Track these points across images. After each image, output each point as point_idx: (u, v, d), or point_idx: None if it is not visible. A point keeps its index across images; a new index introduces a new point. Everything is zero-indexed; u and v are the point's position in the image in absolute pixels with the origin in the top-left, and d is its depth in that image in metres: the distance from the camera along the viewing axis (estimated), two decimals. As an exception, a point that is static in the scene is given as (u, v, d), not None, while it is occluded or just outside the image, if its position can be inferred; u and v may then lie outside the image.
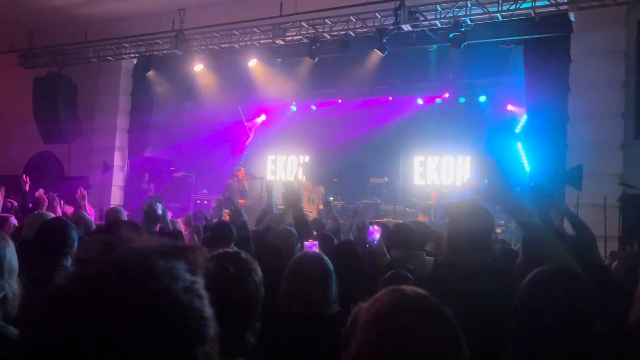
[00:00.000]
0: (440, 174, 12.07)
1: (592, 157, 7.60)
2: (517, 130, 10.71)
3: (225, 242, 4.40)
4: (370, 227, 3.47)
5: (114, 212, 5.07)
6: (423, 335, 1.07)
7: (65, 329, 0.66)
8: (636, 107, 7.24)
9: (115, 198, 12.00)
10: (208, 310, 0.74)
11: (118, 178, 12.18)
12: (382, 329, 1.10)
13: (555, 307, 1.57)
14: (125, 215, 5.01)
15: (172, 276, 0.72)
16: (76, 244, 3.03)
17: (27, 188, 5.71)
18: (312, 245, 3.07)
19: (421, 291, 1.17)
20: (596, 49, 7.79)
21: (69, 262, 2.94)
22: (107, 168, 11.97)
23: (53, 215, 3.78)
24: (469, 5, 8.27)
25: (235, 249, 4.31)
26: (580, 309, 1.58)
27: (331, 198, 11.12)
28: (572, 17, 8.05)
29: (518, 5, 7.97)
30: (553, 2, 7.77)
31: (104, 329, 0.65)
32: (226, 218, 8.41)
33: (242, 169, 11.83)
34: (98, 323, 0.66)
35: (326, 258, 2.56)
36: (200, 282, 0.76)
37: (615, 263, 4.28)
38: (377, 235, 3.46)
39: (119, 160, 12.17)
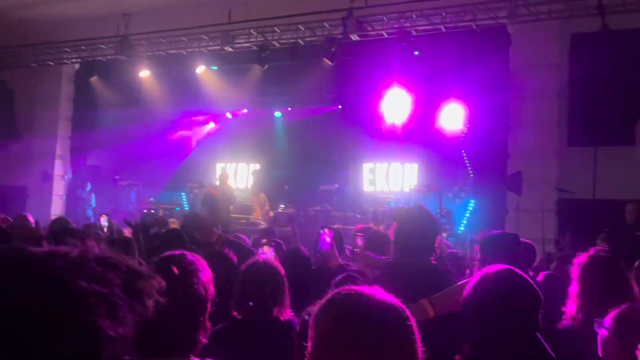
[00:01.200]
0: (389, 180, 12.30)
1: (531, 164, 7.97)
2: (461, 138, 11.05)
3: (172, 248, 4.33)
4: (321, 232, 3.51)
5: (61, 222, 4.89)
6: (373, 330, 1.08)
7: None
8: (569, 116, 7.67)
9: (56, 208, 11.54)
10: (109, 325, 0.72)
11: (59, 187, 11.72)
12: (333, 325, 1.11)
13: (499, 300, 1.66)
14: (72, 225, 4.84)
15: (89, 277, 0.73)
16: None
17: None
18: (266, 253, 3.09)
19: (369, 288, 1.18)
20: (532, 61, 8.20)
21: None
22: (47, 177, 11.50)
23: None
24: (414, 16, 8.53)
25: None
26: (524, 302, 1.67)
27: (282, 205, 11.14)
28: (509, 29, 8.45)
29: (461, 18, 8.30)
30: (492, 15, 8.14)
31: None
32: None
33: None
34: None
35: (279, 265, 2.59)
36: (121, 297, 0.75)
37: (553, 264, 4.52)
38: (328, 239, 3.51)
39: (59, 168, 11.73)
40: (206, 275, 1.86)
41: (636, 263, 3.19)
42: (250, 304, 2.42)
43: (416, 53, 8.56)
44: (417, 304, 1.90)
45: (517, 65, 8.42)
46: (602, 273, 2.41)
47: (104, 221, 5.31)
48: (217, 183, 10.87)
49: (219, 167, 13.58)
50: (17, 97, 11.67)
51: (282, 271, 2.61)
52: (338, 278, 2.98)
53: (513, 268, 1.77)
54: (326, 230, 3.48)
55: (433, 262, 2.50)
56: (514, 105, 8.44)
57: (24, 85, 11.55)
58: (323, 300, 1.21)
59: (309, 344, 1.15)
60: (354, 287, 1.24)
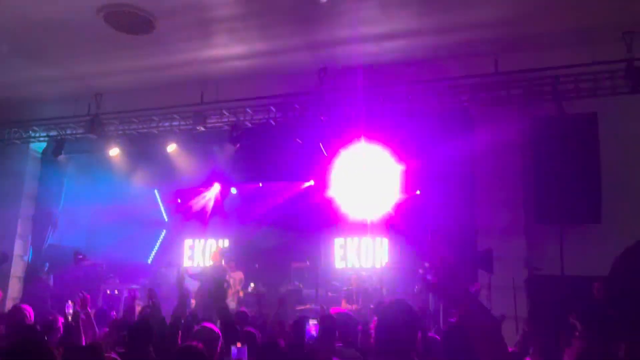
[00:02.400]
0: (360, 256, 12.26)
1: (499, 241, 8.09)
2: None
3: (144, 343, 4.14)
4: (309, 323, 3.40)
5: (17, 312, 4.63)
6: None
7: None
8: (535, 194, 7.90)
9: (14, 290, 10.97)
10: None
11: (18, 268, 11.21)
12: None
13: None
14: (30, 317, 4.59)
15: None
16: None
17: None
18: (240, 352, 2.96)
19: None
20: (496, 141, 8.51)
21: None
22: (5, 258, 11.00)
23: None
24: (382, 99, 8.86)
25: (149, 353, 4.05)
26: None
27: (252, 284, 10.90)
28: (472, 110, 8.84)
29: (426, 100, 8.66)
30: (457, 99, 8.53)
31: None
32: (137, 309, 7.93)
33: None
34: None
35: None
36: None
37: (531, 349, 4.47)
38: (314, 332, 3.40)
39: (19, 248, 11.27)
40: None
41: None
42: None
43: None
44: None
45: (481, 145, 8.73)
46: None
47: (69, 309, 5.07)
48: (211, 263, 10.57)
49: (187, 244, 13.35)
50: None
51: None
52: None
53: None
54: (312, 323, 3.37)
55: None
56: (479, 182, 8.67)
57: (-13, 163, 11.30)
58: None
59: None
60: None
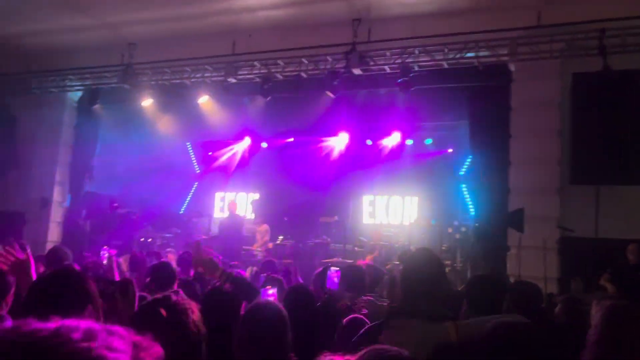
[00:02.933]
0: (388, 213, 12.26)
1: (532, 201, 7.93)
2: (462, 172, 11.07)
3: (166, 285, 4.25)
4: (330, 270, 3.43)
5: (57, 252, 4.81)
6: None
7: None
8: (571, 154, 7.66)
9: (53, 234, 11.43)
10: None
11: (57, 214, 11.63)
12: None
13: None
14: (70, 257, 4.76)
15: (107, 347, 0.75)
16: (12, 289, 2.84)
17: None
18: (270, 294, 3.01)
19: (404, 353, 1.17)
20: (534, 99, 8.24)
21: (4, 311, 2.75)
22: (45, 203, 11.43)
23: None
24: (417, 52, 8.62)
25: (177, 292, 4.16)
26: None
27: (281, 237, 11.05)
28: (512, 67, 8.53)
29: (463, 54, 8.39)
30: (494, 53, 8.23)
31: None
32: (170, 258, 8.15)
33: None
34: None
35: (281, 306, 2.52)
36: None
37: (557, 307, 4.42)
38: (336, 279, 3.43)
39: (58, 195, 11.66)
40: (195, 314, 1.87)
41: None
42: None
43: (413, 88, 8.62)
44: (441, 326, 1.84)
45: (518, 103, 8.47)
46: (623, 323, 2.33)
47: (104, 253, 5.23)
48: (227, 213, 10.86)
49: (217, 196, 13.56)
50: (19, 123, 11.68)
51: (286, 314, 2.54)
52: (345, 321, 2.91)
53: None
54: (333, 270, 3.40)
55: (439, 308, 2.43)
56: (515, 142, 8.44)
57: (26, 111, 11.58)
58: (355, 357, 1.21)
59: None
60: (382, 346, 1.22)
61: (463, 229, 9.97)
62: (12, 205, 11.59)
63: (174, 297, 1.93)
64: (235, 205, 11.10)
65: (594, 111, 7.27)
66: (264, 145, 12.75)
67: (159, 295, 2.03)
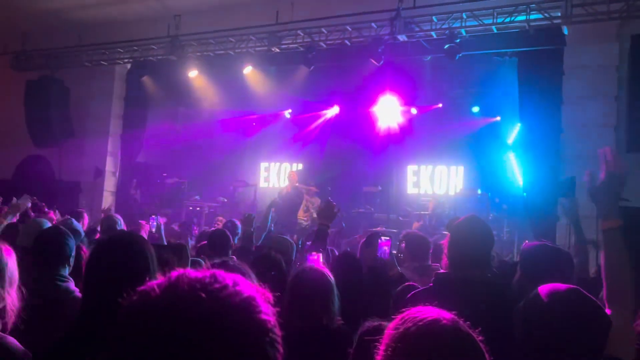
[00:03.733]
0: (433, 183, 12.12)
1: (586, 169, 7.65)
2: (510, 141, 10.78)
3: (222, 251, 4.39)
4: (380, 239, 3.44)
5: (110, 220, 5.04)
6: (452, 358, 1.06)
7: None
8: (628, 120, 7.32)
9: (107, 203, 11.87)
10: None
11: (110, 183, 12.09)
12: (411, 351, 1.09)
13: (560, 333, 1.57)
14: (121, 223, 4.97)
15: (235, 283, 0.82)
16: (73, 253, 3.00)
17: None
18: (314, 259, 3.06)
19: (449, 315, 1.15)
20: (589, 63, 7.87)
21: (66, 272, 2.92)
22: (99, 173, 11.89)
23: (49, 224, 3.74)
24: (464, 17, 8.34)
25: (231, 258, 4.29)
26: (587, 336, 1.58)
27: (324, 206, 11.10)
28: (565, 30, 8.14)
29: (512, 18, 8.07)
30: (547, 15, 7.87)
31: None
32: (219, 226, 8.38)
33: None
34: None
35: (328, 272, 2.57)
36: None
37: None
38: (387, 248, 3.42)
39: (110, 165, 12.10)
40: (253, 278, 1.93)
41: None
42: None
43: (459, 55, 8.37)
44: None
45: (572, 67, 8.11)
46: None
47: (153, 222, 5.42)
48: (287, 183, 10.96)
49: (262, 166, 13.73)
50: (72, 96, 12.10)
51: (332, 278, 2.58)
52: (399, 289, 2.93)
53: (580, 290, 1.68)
54: (384, 239, 3.39)
55: (490, 275, 2.42)
56: (568, 108, 8.12)
57: (78, 84, 11.97)
58: (398, 318, 1.20)
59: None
60: (429, 308, 1.21)
61: (510, 199, 9.78)
62: (68, 175, 12.13)
63: (230, 263, 1.98)
64: (296, 176, 11.06)
65: (654, 75, 6.89)
66: (287, 115, 12.68)
67: (217, 260, 2.08)
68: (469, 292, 2.24)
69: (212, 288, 0.78)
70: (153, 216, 5.43)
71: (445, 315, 1.17)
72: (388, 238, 3.46)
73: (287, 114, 12.96)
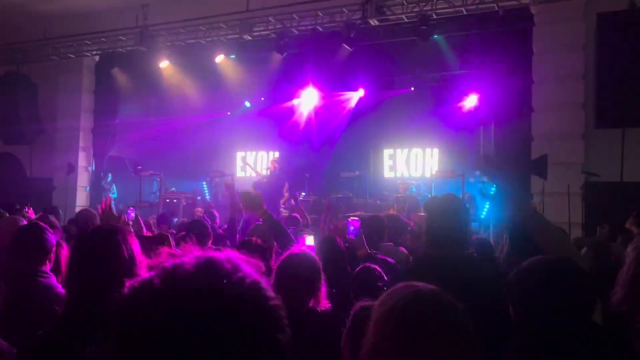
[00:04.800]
0: (409, 166, 12.24)
1: (556, 147, 7.84)
2: (482, 122, 10.92)
3: (201, 240, 4.38)
4: (347, 221, 3.50)
5: (86, 214, 4.97)
6: (439, 330, 1.09)
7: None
8: (595, 98, 7.50)
9: (81, 199, 11.72)
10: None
11: (83, 179, 11.89)
12: (398, 325, 1.12)
13: (552, 296, 1.64)
14: (97, 219, 4.90)
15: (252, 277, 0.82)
16: (54, 248, 2.97)
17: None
18: (304, 241, 3.10)
19: (432, 287, 1.19)
20: (556, 42, 8.02)
21: (47, 268, 2.89)
22: (71, 169, 11.67)
23: (25, 221, 3.68)
24: (434, 0, 8.39)
25: (217, 248, 4.29)
26: (578, 298, 1.65)
27: (303, 193, 11.14)
28: (533, 10, 8.27)
29: (482, 0, 8.15)
30: (516, -4, 7.97)
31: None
32: (199, 215, 8.35)
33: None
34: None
35: (315, 256, 2.59)
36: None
37: (583, 249, 4.45)
38: (352, 228, 3.50)
39: (83, 160, 11.89)
40: None
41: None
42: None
43: (435, 37, 8.45)
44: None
45: (541, 47, 8.25)
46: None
47: (130, 214, 5.35)
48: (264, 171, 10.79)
49: (239, 155, 13.66)
50: (40, 91, 11.80)
51: (319, 264, 2.61)
52: (357, 269, 3.00)
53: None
54: (352, 219, 3.47)
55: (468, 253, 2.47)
56: (538, 88, 8.28)
57: (46, 79, 11.68)
58: (384, 294, 1.24)
59: (370, 337, 1.17)
60: (414, 283, 1.25)
61: (485, 179, 9.93)
62: (40, 172, 11.88)
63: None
64: (276, 164, 10.89)
65: (619, 52, 7.06)
66: (247, 104, 12.62)
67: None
68: (449, 270, 2.29)
69: (218, 273, 0.77)
70: (131, 208, 5.37)
71: (428, 287, 1.21)
72: (356, 218, 3.51)
73: (262, 101, 12.88)
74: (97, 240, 2.18)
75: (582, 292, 1.66)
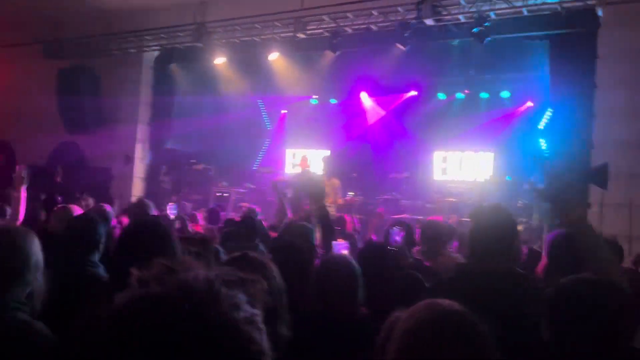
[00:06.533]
0: (461, 169, 11.98)
1: (618, 156, 7.45)
2: (541, 126, 10.55)
3: (247, 238, 4.43)
4: (393, 229, 3.45)
5: (140, 205, 5.14)
6: (459, 349, 1.08)
7: (126, 348, 0.67)
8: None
9: (137, 190, 12.14)
10: (266, 345, 0.73)
11: (139, 170, 12.31)
12: (419, 342, 1.11)
13: (584, 320, 1.56)
14: (152, 209, 5.06)
15: (234, 305, 0.72)
16: (104, 239, 3.08)
17: (58, 179, 5.78)
18: (341, 246, 3.08)
19: (457, 305, 1.18)
20: (624, 46, 7.61)
21: (96, 258, 3.00)
22: (129, 160, 12.11)
23: (79, 210, 3.84)
24: (493, 0, 8.15)
25: (257, 245, 4.33)
26: (613, 322, 1.56)
27: (351, 193, 11.10)
28: (599, 12, 7.88)
29: (545, 0, 7.84)
30: (581, -3, 7.62)
31: (164, 351, 0.66)
32: (243, 212, 8.46)
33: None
34: (159, 345, 0.66)
35: (354, 261, 2.57)
36: (259, 315, 0.75)
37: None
38: (397, 238, 3.42)
39: (140, 152, 12.30)
40: (273, 269, 1.93)
41: None
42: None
43: (488, 39, 8.18)
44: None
45: (606, 51, 7.85)
46: None
47: (171, 209, 5.48)
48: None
49: (289, 152, 13.77)
50: (103, 84, 12.31)
51: (358, 269, 2.58)
52: (401, 276, 2.94)
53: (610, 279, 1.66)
54: (396, 229, 3.39)
55: (510, 267, 2.38)
56: (601, 93, 7.89)
57: (108, 72, 12.16)
58: (411, 308, 1.24)
59: (393, 349, 1.17)
60: (440, 300, 1.23)
61: (540, 185, 9.57)
62: (99, 162, 12.39)
63: (250, 255, 1.98)
64: (306, 161, 10.92)
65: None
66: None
67: (237, 253, 2.09)
68: (489, 283, 2.22)
69: (183, 308, 0.69)
70: (171, 204, 5.49)
71: (453, 306, 1.18)
72: (400, 228, 3.43)
73: (314, 99, 12.93)
74: (138, 232, 2.23)
75: (619, 317, 1.55)
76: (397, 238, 3.41)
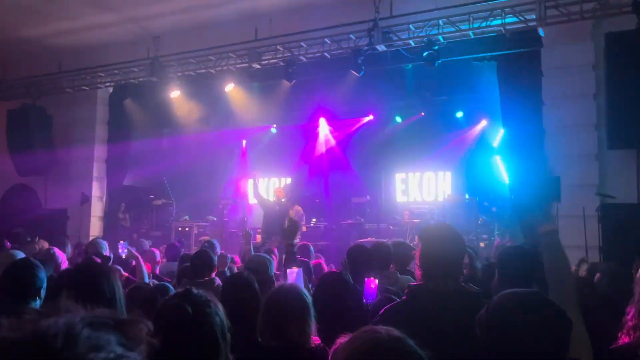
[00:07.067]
0: (422, 190, 12.12)
1: (569, 169, 7.67)
2: (495, 144, 10.82)
3: (203, 272, 4.32)
4: (366, 280, 3.16)
5: (94, 245, 4.97)
6: None
7: None
8: (608, 118, 7.35)
9: (95, 229, 11.80)
10: None
11: (97, 209, 11.99)
12: None
13: (520, 336, 1.54)
14: (106, 248, 4.90)
15: (93, 346, 0.72)
16: (44, 285, 2.94)
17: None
18: (295, 273, 3.01)
19: (395, 332, 1.16)
20: (566, 63, 7.92)
21: (37, 304, 2.86)
22: (85, 199, 11.79)
23: (22, 255, 3.68)
24: (441, 23, 8.39)
25: (210, 281, 4.22)
26: (549, 339, 1.54)
27: (314, 219, 11.08)
28: (541, 32, 8.21)
29: (489, 22, 8.12)
30: (522, 18, 7.93)
31: None
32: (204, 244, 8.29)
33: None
34: None
35: (304, 291, 2.52)
36: (131, 357, 0.74)
37: (597, 275, 4.29)
38: (372, 285, 3.18)
39: (97, 190, 12.00)
40: (218, 307, 1.87)
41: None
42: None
43: (438, 62, 8.39)
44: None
45: (550, 68, 8.16)
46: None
47: (122, 247, 5.30)
48: (272, 199, 10.62)
49: (250, 182, 13.67)
50: (55, 123, 12.02)
51: (309, 299, 2.54)
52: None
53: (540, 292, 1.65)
54: (370, 279, 3.14)
55: (460, 285, 2.38)
56: (549, 109, 8.16)
57: (61, 111, 11.91)
58: (348, 338, 1.23)
59: None
60: (376, 327, 1.22)
61: (499, 202, 9.78)
62: (54, 202, 12.02)
63: (195, 292, 1.92)
64: (282, 192, 10.68)
65: (630, 72, 6.94)
66: (273, 130, 12.70)
67: (180, 290, 2.02)
68: (442, 303, 2.21)
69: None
70: (121, 242, 5.32)
71: (391, 333, 1.16)
72: (375, 278, 3.21)
73: (273, 129, 12.95)
74: (80, 278, 2.14)
75: (553, 332, 1.55)
76: (372, 286, 3.14)
